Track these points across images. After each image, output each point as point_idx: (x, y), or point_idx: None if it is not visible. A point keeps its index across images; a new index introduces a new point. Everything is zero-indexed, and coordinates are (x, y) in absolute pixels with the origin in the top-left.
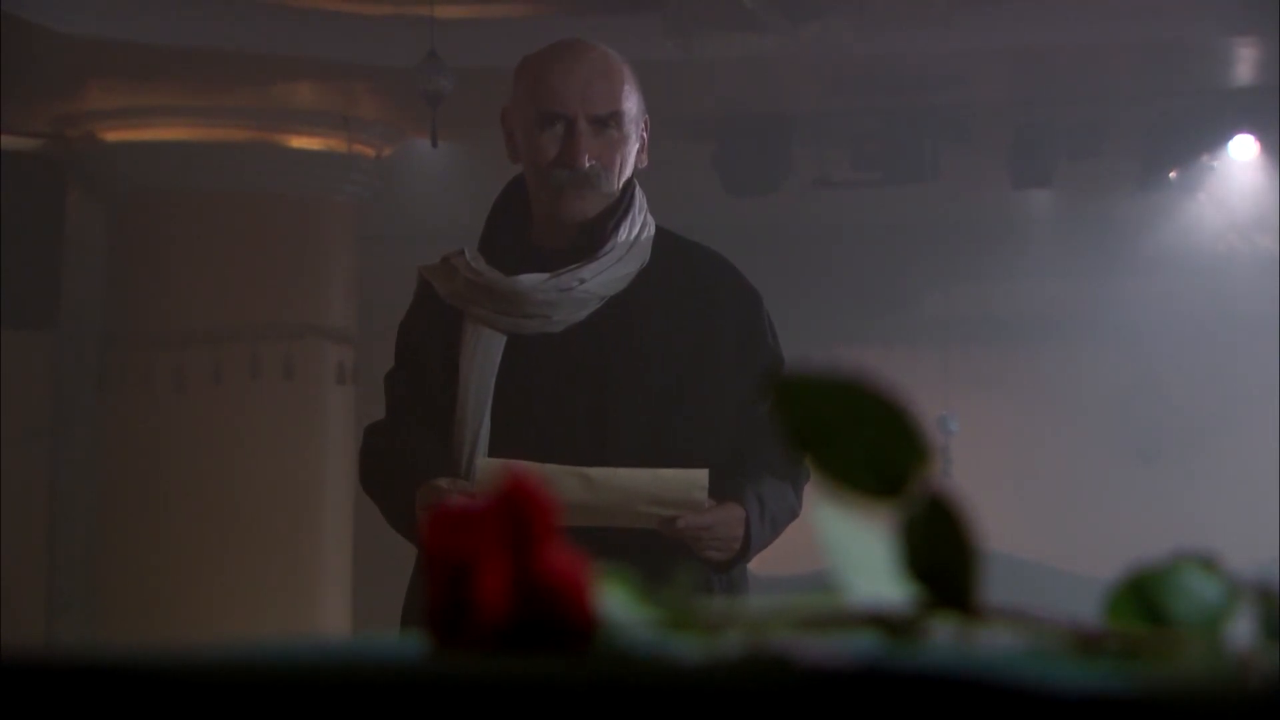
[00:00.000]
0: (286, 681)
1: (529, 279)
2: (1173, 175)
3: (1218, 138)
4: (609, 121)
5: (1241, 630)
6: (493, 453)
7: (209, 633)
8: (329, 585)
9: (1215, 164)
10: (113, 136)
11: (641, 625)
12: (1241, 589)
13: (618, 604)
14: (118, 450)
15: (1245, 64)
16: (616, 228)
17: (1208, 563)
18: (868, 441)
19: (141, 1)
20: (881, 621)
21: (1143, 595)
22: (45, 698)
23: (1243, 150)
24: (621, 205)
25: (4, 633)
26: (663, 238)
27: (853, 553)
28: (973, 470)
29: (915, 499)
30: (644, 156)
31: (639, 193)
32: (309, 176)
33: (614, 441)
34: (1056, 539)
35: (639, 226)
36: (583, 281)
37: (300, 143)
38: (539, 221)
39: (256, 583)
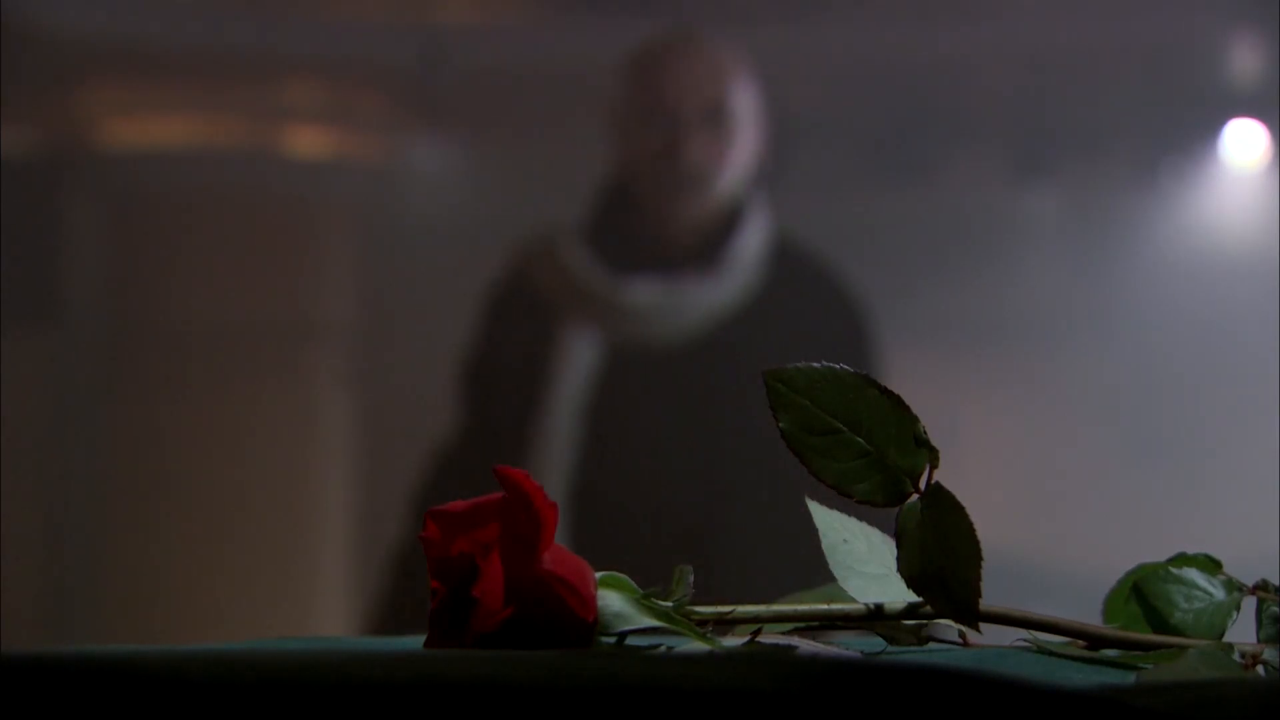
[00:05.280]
0: (286, 681)
1: (635, 284)
2: (1174, 173)
3: (1219, 136)
4: (715, 117)
5: (1242, 630)
6: (579, 475)
7: (209, 633)
8: (328, 585)
9: (1216, 162)
10: (112, 135)
11: (641, 624)
12: (1242, 588)
13: (617, 603)
14: (117, 450)
15: (1247, 61)
16: (730, 238)
17: (1209, 562)
18: (868, 441)
19: (142, 0)
20: (881, 621)
21: (1143, 595)
22: (45, 698)
23: (1244, 149)
24: (737, 212)
25: (4, 633)
26: (779, 247)
27: (852, 553)
28: (973, 470)
29: (915, 499)
30: (761, 156)
31: (757, 198)
32: (309, 176)
33: (718, 470)
34: (1057, 539)
35: (755, 236)
36: (691, 294)
37: (300, 142)
38: (646, 224)
39: (256, 582)
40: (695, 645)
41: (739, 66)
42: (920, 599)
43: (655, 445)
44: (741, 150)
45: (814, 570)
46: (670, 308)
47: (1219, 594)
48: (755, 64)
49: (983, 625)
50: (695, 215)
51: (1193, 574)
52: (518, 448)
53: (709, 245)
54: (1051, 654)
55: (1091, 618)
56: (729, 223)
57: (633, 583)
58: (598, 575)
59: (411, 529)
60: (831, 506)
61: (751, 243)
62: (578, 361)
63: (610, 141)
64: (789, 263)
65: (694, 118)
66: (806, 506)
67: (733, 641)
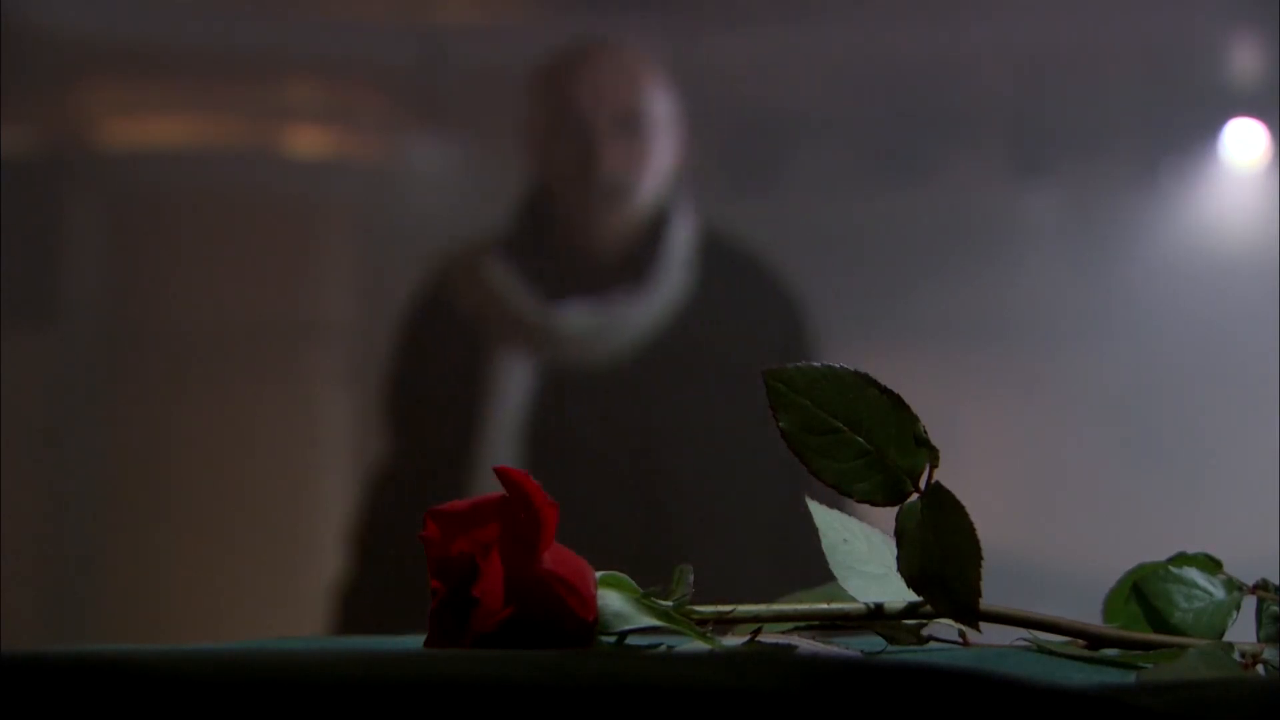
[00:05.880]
0: (286, 681)
1: (565, 309)
2: (1174, 173)
3: (1219, 136)
4: (630, 124)
5: (1242, 630)
6: None
7: (209, 633)
8: (328, 585)
9: (1216, 162)
10: (112, 135)
11: (641, 624)
12: (1242, 588)
13: (617, 603)
14: (117, 450)
15: (1247, 61)
16: (657, 247)
17: (1209, 562)
18: (868, 441)
19: (142, 0)
20: (881, 621)
21: (1143, 595)
22: (45, 698)
23: (1244, 149)
24: (661, 221)
25: (4, 633)
26: (706, 246)
27: (852, 553)
28: (973, 470)
29: (915, 499)
30: (680, 158)
31: (680, 203)
32: (309, 176)
33: (663, 488)
34: (1057, 539)
35: (680, 242)
36: (622, 313)
37: (300, 142)
38: (569, 238)
39: (256, 582)
40: (695, 645)
41: (653, 72)
42: (920, 599)
43: (598, 458)
44: (660, 157)
45: (789, 581)
46: (603, 329)
47: (1219, 594)
48: (755, 64)
49: (983, 625)
50: (618, 226)
51: (1193, 573)
52: (456, 473)
53: (636, 257)
54: (1051, 654)
55: (1091, 618)
56: (654, 232)
57: (633, 582)
58: (598, 575)
59: (349, 563)
60: (831, 506)
61: (679, 250)
62: (512, 382)
63: (527, 155)
64: (719, 261)
65: (608, 126)
66: (786, 509)
67: (733, 641)
